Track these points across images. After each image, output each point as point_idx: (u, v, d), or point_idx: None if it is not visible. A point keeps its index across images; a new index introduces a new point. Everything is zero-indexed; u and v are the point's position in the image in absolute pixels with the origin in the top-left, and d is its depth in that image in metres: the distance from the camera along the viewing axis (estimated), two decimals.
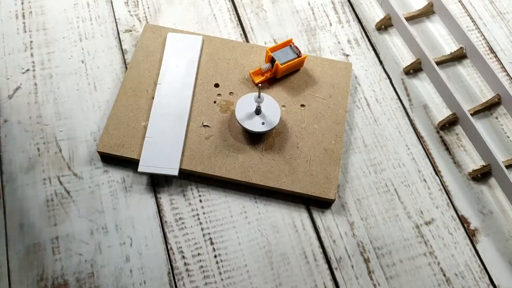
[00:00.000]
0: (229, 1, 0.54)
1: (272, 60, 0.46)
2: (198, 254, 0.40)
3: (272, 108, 0.43)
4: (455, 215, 0.43)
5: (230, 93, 0.46)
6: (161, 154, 0.42)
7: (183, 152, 0.42)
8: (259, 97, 0.41)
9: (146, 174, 0.42)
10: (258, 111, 0.43)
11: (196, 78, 0.46)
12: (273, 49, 0.46)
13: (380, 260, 0.41)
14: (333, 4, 0.54)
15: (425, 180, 0.44)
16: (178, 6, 0.53)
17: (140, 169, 0.41)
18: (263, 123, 0.42)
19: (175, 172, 0.41)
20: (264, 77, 0.46)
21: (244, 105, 0.43)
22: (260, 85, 0.41)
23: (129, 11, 0.52)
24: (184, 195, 0.42)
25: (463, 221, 0.43)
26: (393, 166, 0.45)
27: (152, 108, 0.44)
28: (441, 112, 0.48)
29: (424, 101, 0.49)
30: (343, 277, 0.40)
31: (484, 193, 0.44)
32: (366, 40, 0.52)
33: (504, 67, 0.51)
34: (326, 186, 0.42)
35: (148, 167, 0.41)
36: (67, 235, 0.40)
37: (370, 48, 0.52)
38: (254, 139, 0.44)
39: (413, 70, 0.50)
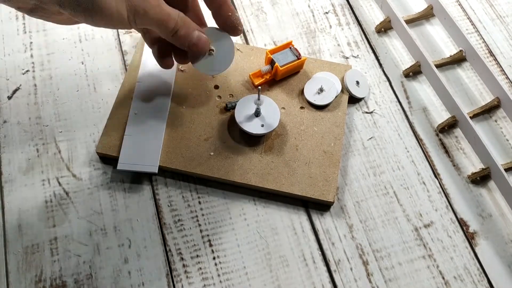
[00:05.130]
0: None
1: (271, 62, 0.46)
2: (197, 256, 0.40)
3: (271, 110, 0.43)
4: (454, 218, 0.43)
5: (230, 95, 0.46)
6: (140, 152, 0.42)
7: (182, 154, 0.42)
8: (258, 99, 0.41)
9: (126, 172, 0.42)
10: (257, 113, 0.43)
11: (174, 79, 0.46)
12: (273, 51, 0.46)
13: (379, 262, 0.40)
14: (333, 7, 0.54)
15: (424, 183, 0.44)
16: None
17: (119, 166, 0.41)
18: (262, 125, 0.42)
19: (155, 169, 0.41)
20: (263, 79, 0.46)
21: (244, 107, 0.43)
22: (259, 87, 0.41)
23: None
24: (183, 197, 0.42)
25: (462, 224, 0.43)
26: (392, 168, 0.45)
27: (131, 107, 0.44)
28: (441, 115, 0.48)
29: (424, 104, 0.49)
30: (341, 280, 0.40)
31: (483, 196, 0.44)
32: (366, 42, 0.52)
33: (503, 70, 0.51)
34: (325, 188, 0.42)
35: (127, 164, 0.41)
36: (66, 236, 0.40)
37: (370, 51, 0.52)
38: (254, 141, 0.44)
39: (413, 72, 0.50)
